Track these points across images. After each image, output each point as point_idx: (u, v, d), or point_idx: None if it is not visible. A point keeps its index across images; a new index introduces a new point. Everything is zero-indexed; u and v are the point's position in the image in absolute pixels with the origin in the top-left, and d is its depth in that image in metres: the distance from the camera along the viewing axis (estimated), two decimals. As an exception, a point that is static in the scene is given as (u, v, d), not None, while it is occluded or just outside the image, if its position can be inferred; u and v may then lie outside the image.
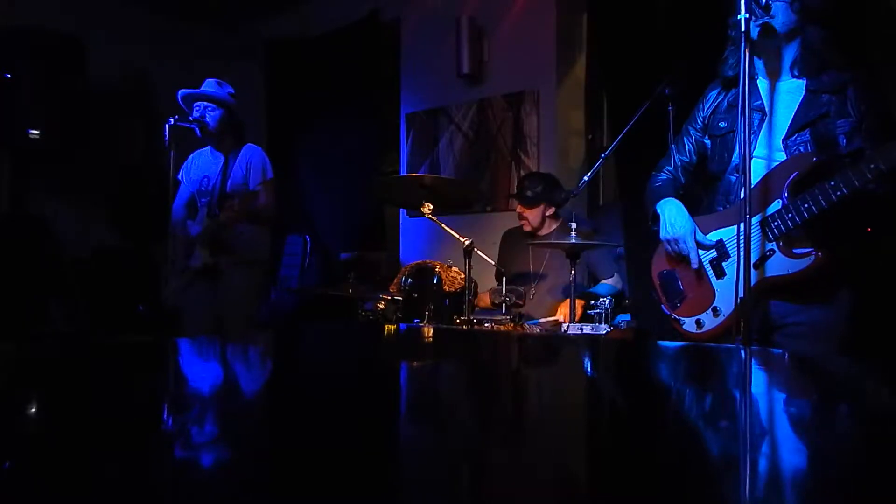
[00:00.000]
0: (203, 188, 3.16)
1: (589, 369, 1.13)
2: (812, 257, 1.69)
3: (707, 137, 1.98)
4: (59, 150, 4.22)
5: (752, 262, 1.66)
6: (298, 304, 4.38)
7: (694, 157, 2.04)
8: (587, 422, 0.71)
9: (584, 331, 2.40)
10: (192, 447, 0.54)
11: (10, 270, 3.70)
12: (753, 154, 1.73)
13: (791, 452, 0.56)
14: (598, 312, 2.46)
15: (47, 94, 4.05)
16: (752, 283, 1.60)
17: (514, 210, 3.35)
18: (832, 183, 1.60)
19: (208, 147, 3.24)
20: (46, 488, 0.42)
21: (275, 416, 0.69)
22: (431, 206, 2.61)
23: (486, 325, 2.60)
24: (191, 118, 3.07)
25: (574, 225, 2.48)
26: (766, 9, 1.67)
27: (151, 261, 4.25)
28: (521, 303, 2.86)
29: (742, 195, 1.58)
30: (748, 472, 0.48)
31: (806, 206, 1.65)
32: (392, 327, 2.48)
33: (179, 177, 3.25)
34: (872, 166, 1.54)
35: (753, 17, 1.64)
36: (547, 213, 3.21)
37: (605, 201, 4.01)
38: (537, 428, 0.65)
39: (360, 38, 4.86)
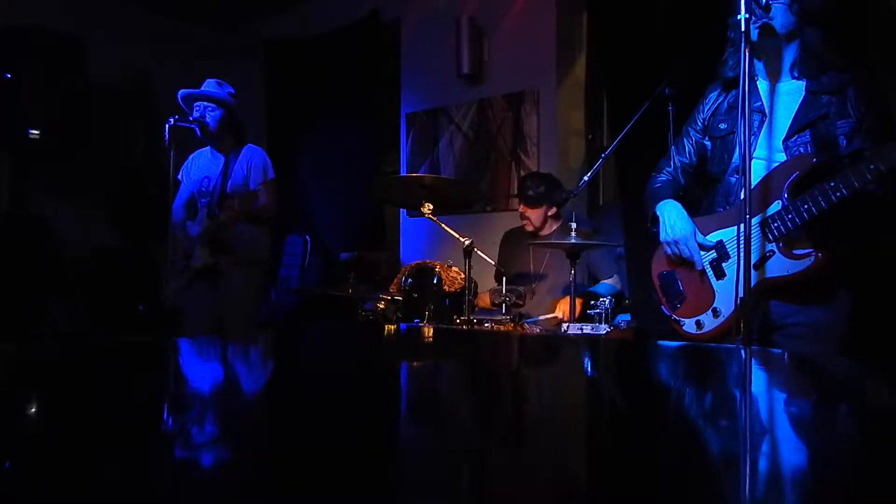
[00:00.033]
0: (203, 188, 3.16)
1: (589, 369, 1.13)
2: (812, 258, 1.69)
3: (707, 139, 1.98)
4: (59, 150, 4.22)
5: (752, 262, 1.66)
6: (298, 304, 4.38)
7: (693, 159, 2.04)
8: (587, 422, 0.71)
9: (584, 331, 2.40)
10: (192, 447, 0.54)
11: (10, 270, 3.70)
12: (753, 155, 1.73)
13: (790, 452, 0.56)
14: (598, 312, 2.46)
15: (47, 94, 4.05)
16: (752, 284, 1.60)
17: (515, 210, 3.35)
18: (832, 184, 1.60)
19: (208, 147, 3.24)
20: (46, 488, 0.42)
21: (275, 416, 0.69)
22: (431, 206, 2.61)
23: (486, 325, 2.60)
24: (191, 118, 3.07)
25: (574, 225, 2.48)
26: (766, 9, 1.67)
27: (151, 261, 4.25)
28: (520, 303, 2.86)
29: (742, 196, 1.58)
30: (748, 472, 0.48)
31: (806, 206, 1.65)
32: (392, 327, 2.48)
33: (179, 177, 3.25)
34: (872, 167, 1.54)
35: (753, 18, 1.64)
36: (549, 213, 3.21)
37: (605, 201, 4.01)
38: (537, 428, 0.65)
39: (360, 38, 4.86)
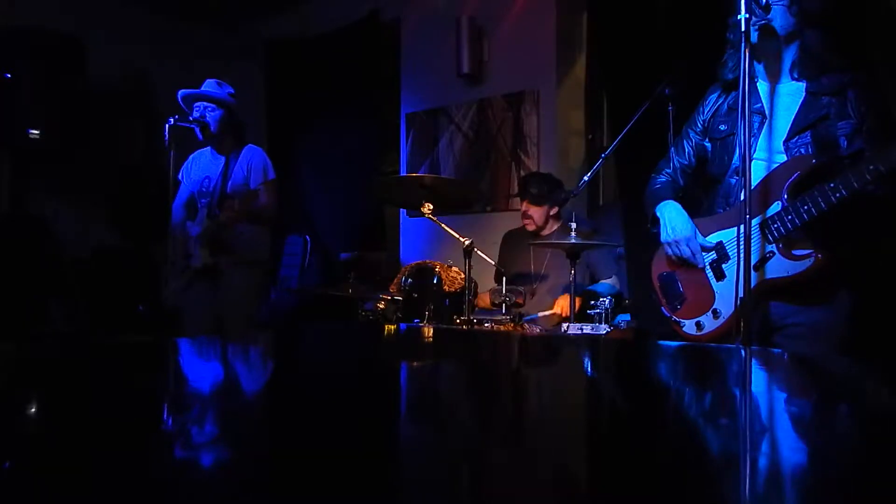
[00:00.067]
0: (204, 189, 3.16)
1: (589, 369, 1.13)
2: (812, 259, 1.69)
3: (707, 140, 1.98)
4: (59, 150, 4.22)
5: (752, 263, 1.66)
6: (298, 304, 4.38)
7: (693, 160, 2.04)
8: (587, 422, 0.71)
9: (584, 331, 2.40)
10: (192, 447, 0.54)
11: (10, 270, 3.70)
12: (753, 156, 1.73)
13: (790, 452, 0.56)
14: (598, 312, 2.46)
15: (47, 94, 4.06)
16: (752, 285, 1.60)
17: (515, 210, 3.36)
18: (831, 185, 1.60)
19: (209, 148, 3.24)
20: (46, 488, 0.42)
21: (275, 416, 0.69)
22: (431, 206, 2.61)
23: (486, 325, 2.61)
24: (191, 118, 3.07)
25: (574, 225, 2.48)
26: (767, 9, 1.67)
27: (151, 261, 4.25)
28: (520, 302, 2.86)
29: (742, 197, 1.58)
30: (748, 471, 0.48)
31: (805, 207, 1.65)
32: (392, 327, 2.48)
33: (180, 177, 3.25)
34: (872, 168, 1.54)
35: (753, 19, 1.64)
36: (551, 213, 3.22)
37: (605, 201, 4.01)
38: (537, 428, 0.65)
39: (360, 38, 4.86)
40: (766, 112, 1.81)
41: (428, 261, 3.42)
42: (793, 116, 1.76)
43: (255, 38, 5.51)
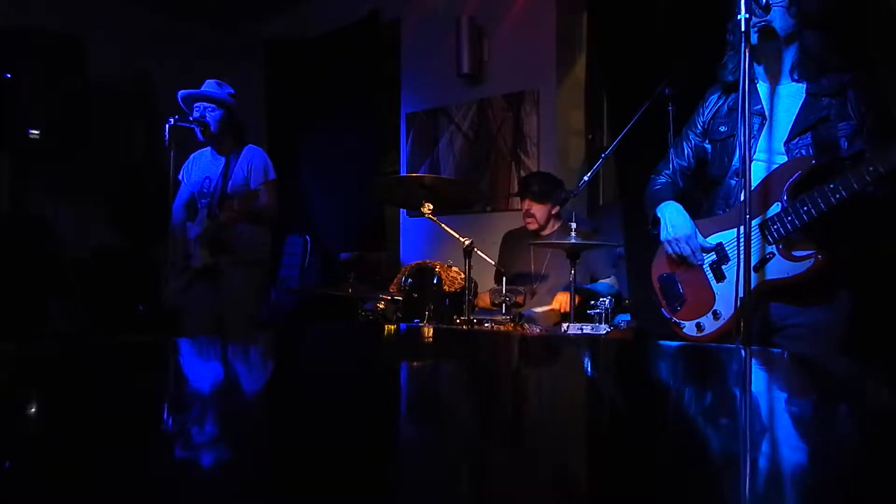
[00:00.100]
0: (204, 189, 3.16)
1: (589, 369, 1.13)
2: (812, 260, 1.69)
3: (707, 142, 1.98)
4: (59, 150, 4.22)
5: (752, 265, 1.66)
6: (298, 304, 4.38)
7: (692, 162, 2.04)
8: (587, 422, 0.71)
9: (584, 331, 2.40)
10: (192, 447, 0.54)
11: (10, 270, 3.70)
12: (754, 158, 1.73)
13: (790, 452, 0.56)
14: (598, 312, 2.46)
15: (47, 94, 4.06)
16: (753, 286, 1.60)
17: (515, 210, 3.36)
18: (831, 186, 1.60)
19: (209, 148, 3.24)
20: (46, 488, 0.42)
21: (275, 416, 0.69)
22: (431, 206, 2.61)
23: (486, 325, 2.61)
24: (191, 118, 3.07)
25: (574, 225, 2.48)
26: (766, 9, 1.67)
27: (151, 261, 4.25)
28: (520, 301, 2.86)
29: (742, 198, 1.58)
30: (748, 471, 0.48)
31: (805, 208, 1.65)
32: (392, 327, 2.48)
33: (180, 177, 3.25)
34: (871, 169, 1.54)
35: (753, 19, 1.64)
36: (552, 212, 3.22)
37: (605, 201, 4.01)
38: (537, 428, 0.65)
39: (360, 38, 4.86)
40: (766, 113, 1.80)
41: (428, 261, 3.42)
42: (793, 118, 1.76)
43: (255, 38, 5.51)
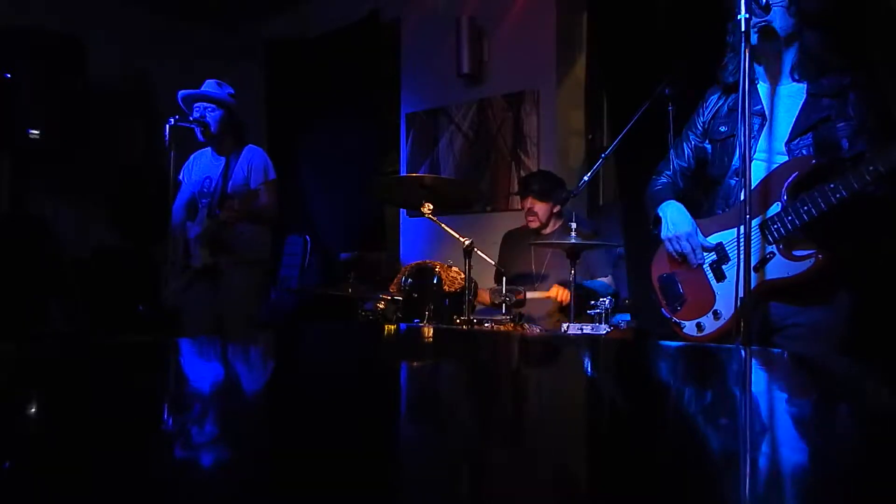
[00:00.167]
0: (205, 189, 3.16)
1: (589, 369, 1.13)
2: (812, 260, 1.69)
3: (707, 142, 1.98)
4: (59, 150, 4.22)
5: (753, 264, 1.66)
6: (298, 304, 4.38)
7: (692, 163, 2.04)
8: (587, 422, 0.71)
9: (584, 331, 2.40)
10: (192, 447, 0.54)
11: (10, 270, 3.70)
12: (754, 158, 1.73)
13: (790, 452, 0.56)
14: (598, 312, 2.46)
15: (47, 94, 4.06)
16: (753, 286, 1.60)
17: (515, 210, 3.36)
18: (831, 185, 1.60)
19: (209, 148, 3.24)
20: (46, 488, 0.42)
21: (275, 416, 0.69)
22: (431, 206, 2.61)
23: (486, 325, 2.60)
24: (191, 119, 3.08)
25: (574, 225, 2.48)
26: (766, 9, 1.67)
27: (151, 261, 4.25)
28: (520, 298, 2.86)
29: (742, 198, 1.58)
30: (748, 471, 0.48)
31: (805, 208, 1.65)
32: (392, 327, 2.48)
33: (180, 177, 3.25)
34: (871, 168, 1.54)
35: (753, 19, 1.64)
36: (554, 210, 3.22)
37: (605, 201, 4.01)
38: (537, 428, 0.65)
39: (360, 38, 4.86)
40: (767, 113, 1.80)
41: (428, 261, 3.42)
42: (794, 118, 1.76)
43: (255, 38, 5.51)
